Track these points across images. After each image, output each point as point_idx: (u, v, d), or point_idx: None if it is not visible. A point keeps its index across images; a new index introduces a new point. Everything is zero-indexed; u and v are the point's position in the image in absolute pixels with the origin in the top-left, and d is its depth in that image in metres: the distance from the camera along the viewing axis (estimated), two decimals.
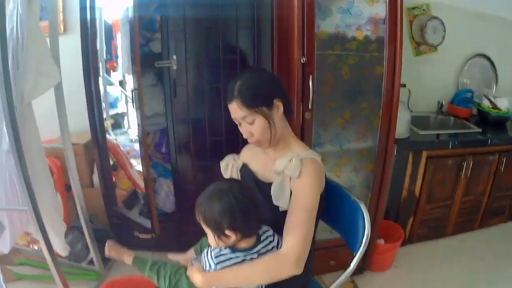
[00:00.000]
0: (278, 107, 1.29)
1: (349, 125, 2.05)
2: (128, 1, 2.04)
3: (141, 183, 2.78)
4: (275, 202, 1.25)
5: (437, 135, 2.64)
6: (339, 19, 1.88)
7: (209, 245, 1.26)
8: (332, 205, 1.40)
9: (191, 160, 2.40)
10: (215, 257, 1.18)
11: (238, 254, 1.18)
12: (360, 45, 1.93)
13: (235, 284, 1.18)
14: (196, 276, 1.19)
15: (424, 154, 2.47)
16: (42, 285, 2.21)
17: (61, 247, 2.02)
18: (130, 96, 2.13)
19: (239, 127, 1.34)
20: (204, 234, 1.22)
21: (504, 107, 2.87)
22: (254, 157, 1.42)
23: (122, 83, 3.29)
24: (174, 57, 2.16)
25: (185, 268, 1.30)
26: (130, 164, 2.87)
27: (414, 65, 2.86)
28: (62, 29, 2.52)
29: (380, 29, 1.94)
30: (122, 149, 2.83)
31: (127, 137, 3.38)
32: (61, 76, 1.90)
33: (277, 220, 1.24)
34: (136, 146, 3.10)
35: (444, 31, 2.77)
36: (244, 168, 1.43)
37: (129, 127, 3.45)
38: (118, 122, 3.36)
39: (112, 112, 3.30)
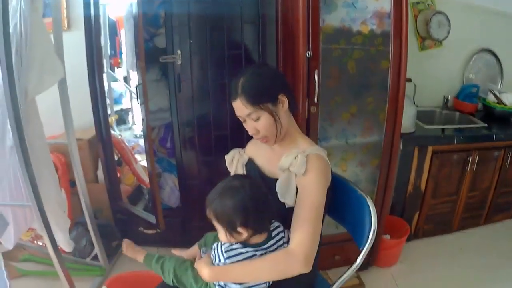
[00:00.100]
0: (283, 102, 1.28)
1: (355, 119, 2.04)
2: None
3: (146, 178, 2.78)
4: (281, 199, 1.25)
5: (443, 130, 2.63)
6: (344, 13, 1.87)
7: (214, 241, 1.26)
8: (338, 199, 1.40)
9: (196, 155, 2.39)
10: (225, 251, 1.17)
11: (249, 249, 1.17)
12: (365, 39, 1.92)
13: (242, 279, 1.17)
14: (204, 269, 1.19)
15: (430, 149, 2.46)
16: (47, 281, 2.21)
17: (65, 243, 2.02)
18: (135, 91, 2.12)
19: (244, 124, 1.33)
20: (210, 229, 1.22)
21: (509, 102, 2.85)
22: (259, 152, 1.42)
23: (126, 79, 3.31)
24: (179, 52, 2.15)
25: (191, 262, 1.30)
26: (135, 159, 2.87)
27: (419, 60, 2.84)
28: (66, 26, 2.52)
29: (385, 23, 1.93)
30: (126, 144, 2.83)
31: (132, 133, 3.40)
32: (65, 72, 1.89)
33: (283, 216, 1.24)
34: (141, 141, 3.10)
35: (449, 25, 2.76)
36: (250, 163, 1.42)
37: (133, 123, 3.46)
38: (122, 118, 3.37)
39: (117, 108, 3.32)
